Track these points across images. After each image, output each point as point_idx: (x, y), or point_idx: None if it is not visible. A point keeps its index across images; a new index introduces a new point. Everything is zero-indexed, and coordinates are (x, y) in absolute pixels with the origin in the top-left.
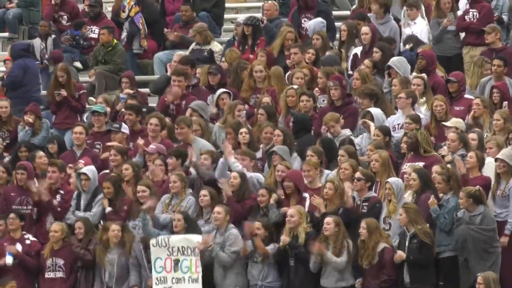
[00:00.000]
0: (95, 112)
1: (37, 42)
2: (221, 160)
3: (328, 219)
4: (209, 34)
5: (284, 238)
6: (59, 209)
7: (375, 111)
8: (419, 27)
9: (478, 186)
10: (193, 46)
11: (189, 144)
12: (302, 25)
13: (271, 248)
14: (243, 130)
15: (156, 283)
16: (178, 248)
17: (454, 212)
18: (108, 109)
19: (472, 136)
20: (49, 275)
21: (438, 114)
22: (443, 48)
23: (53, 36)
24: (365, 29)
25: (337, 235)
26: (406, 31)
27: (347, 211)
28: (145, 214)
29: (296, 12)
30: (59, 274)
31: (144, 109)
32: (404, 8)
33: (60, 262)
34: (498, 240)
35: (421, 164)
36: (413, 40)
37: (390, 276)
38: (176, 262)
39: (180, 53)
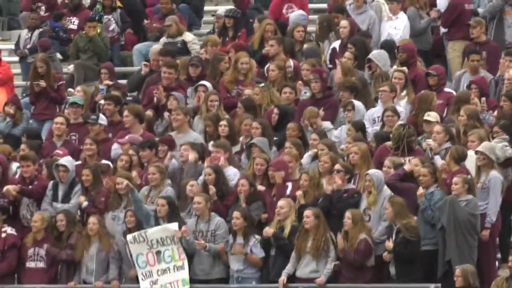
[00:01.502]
0: (74, 104)
1: (23, 33)
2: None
3: (307, 212)
4: (180, 26)
5: (268, 230)
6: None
7: (357, 102)
8: (402, 22)
9: (470, 175)
10: (164, 39)
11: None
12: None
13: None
14: (222, 122)
15: (142, 278)
16: (157, 240)
17: None
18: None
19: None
20: (30, 264)
21: None
22: (422, 42)
23: (41, 29)
24: (343, 22)
25: (317, 228)
26: (388, 25)
27: (327, 197)
28: (133, 191)
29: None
30: (40, 265)
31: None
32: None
33: (42, 252)
34: (477, 232)
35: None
36: None
37: (357, 259)
38: (158, 253)
39: (155, 47)
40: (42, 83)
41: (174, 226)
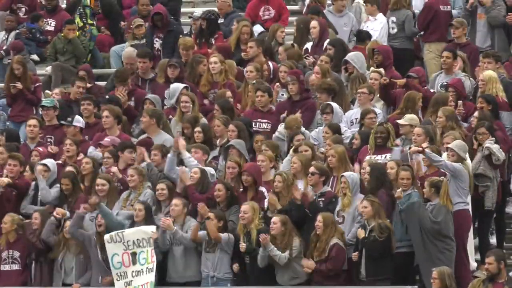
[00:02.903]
0: (43, 107)
1: (0, 34)
2: (170, 155)
3: (274, 219)
4: (145, 28)
5: (242, 246)
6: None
7: (335, 104)
8: (380, 24)
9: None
10: (130, 42)
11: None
12: (154, 45)
13: (224, 236)
14: (197, 129)
15: (117, 279)
16: (134, 241)
17: None
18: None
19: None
20: (4, 267)
21: None
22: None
23: (17, 30)
24: (313, 23)
25: (283, 234)
26: (366, 26)
27: (298, 207)
28: (100, 206)
29: (149, 31)
30: (15, 267)
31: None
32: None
33: (16, 254)
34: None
35: (388, 155)
36: None
37: (331, 268)
38: (134, 255)
39: (128, 50)
40: (19, 85)
41: (151, 228)
